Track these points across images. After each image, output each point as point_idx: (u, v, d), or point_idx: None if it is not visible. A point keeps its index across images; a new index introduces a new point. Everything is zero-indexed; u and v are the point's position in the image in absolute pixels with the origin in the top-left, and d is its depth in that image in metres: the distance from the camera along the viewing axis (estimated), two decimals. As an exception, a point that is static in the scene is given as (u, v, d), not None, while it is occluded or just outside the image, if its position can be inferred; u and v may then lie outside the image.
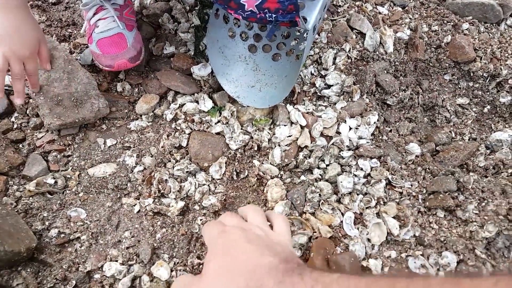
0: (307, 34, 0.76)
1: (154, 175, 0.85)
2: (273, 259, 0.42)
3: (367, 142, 0.89)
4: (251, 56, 0.94)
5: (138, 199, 0.84)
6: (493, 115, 0.97)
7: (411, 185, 0.84)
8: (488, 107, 0.97)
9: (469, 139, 0.92)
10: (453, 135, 0.93)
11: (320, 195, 0.84)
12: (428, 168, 0.86)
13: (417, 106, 0.97)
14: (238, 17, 0.71)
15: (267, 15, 0.67)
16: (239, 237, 0.46)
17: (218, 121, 0.91)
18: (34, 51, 0.76)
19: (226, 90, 0.91)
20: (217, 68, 0.92)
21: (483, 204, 0.80)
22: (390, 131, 0.93)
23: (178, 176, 0.85)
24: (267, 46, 0.93)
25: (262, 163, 0.87)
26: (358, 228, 0.79)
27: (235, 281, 0.40)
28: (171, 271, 0.74)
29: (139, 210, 0.83)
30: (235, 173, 0.86)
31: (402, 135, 0.93)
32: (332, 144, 0.89)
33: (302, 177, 0.87)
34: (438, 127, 0.95)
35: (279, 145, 0.89)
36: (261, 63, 0.94)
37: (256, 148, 0.89)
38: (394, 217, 0.80)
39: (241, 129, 0.90)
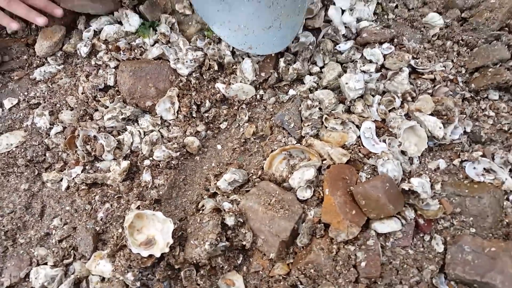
0: None
1: (77, 134, 0.52)
2: None
3: (370, 24, 0.57)
4: None
5: (64, 170, 0.52)
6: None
7: (444, 67, 0.53)
8: None
9: (504, -7, 0.61)
10: (481, -7, 0.61)
11: (320, 109, 0.53)
12: (461, 40, 0.55)
13: (423, -32, 0.64)
14: None
15: None
16: None
17: (155, 42, 0.58)
18: None
19: (230, 42, 0.57)
20: (212, 17, 0.57)
21: (554, 66, 0.50)
22: (396, 6, 0.61)
23: (112, 127, 0.53)
24: None
25: (230, 84, 0.55)
26: (384, 141, 0.49)
27: None
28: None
29: (68, 186, 0.52)
30: (194, 106, 0.54)
31: (412, 8, 0.61)
32: (323, 37, 0.57)
33: (291, 91, 0.55)
34: (458, -12, 0.63)
35: (248, 56, 0.56)
36: None
37: (216, 67, 0.56)
38: (432, 114, 0.49)
39: (189, 45, 0.57)
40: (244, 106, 0.55)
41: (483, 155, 0.48)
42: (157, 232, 0.46)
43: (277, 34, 0.56)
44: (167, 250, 0.44)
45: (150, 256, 0.44)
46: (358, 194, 0.46)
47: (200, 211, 0.48)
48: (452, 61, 0.54)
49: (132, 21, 0.58)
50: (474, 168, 0.47)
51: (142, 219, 0.46)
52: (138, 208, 0.48)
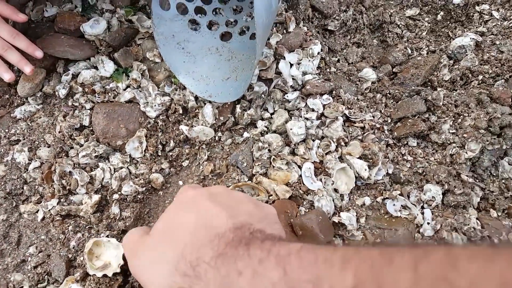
0: None
1: (54, 169, 0.58)
2: (225, 223, 0.30)
3: (314, 77, 0.65)
4: (225, 45, 0.67)
5: (40, 203, 0.58)
6: (448, 22, 0.76)
7: (373, 116, 0.62)
8: (441, 13, 0.76)
9: (427, 53, 0.71)
10: (409, 52, 0.71)
11: (269, 150, 0.60)
12: (389, 93, 0.65)
13: (363, 27, 0.74)
14: None
15: None
16: (201, 194, 0.34)
17: (127, 86, 0.64)
18: None
19: (193, 91, 0.64)
20: (178, 67, 0.64)
21: (459, 120, 0.60)
22: (338, 61, 0.70)
23: (86, 164, 0.59)
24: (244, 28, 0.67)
25: (192, 126, 0.62)
26: (321, 180, 0.57)
27: (173, 248, 0.30)
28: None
29: (43, 217, 0.57)
30: (160, 146, 0.61)
31: (352, 63, 0.70)
32: (274, 87, 0.65)
33: (245, 134, 0.63)
34: (390, 46, 0.73)
35: (209, 102, 0.64)
36: (237, 49, 0.67)
37: (181, 111, 0.63)
38: (360, 158, 0.58)
39: (158, 90, 0.64)
40: (204, 146, 0.62)
41: (401, 194, 0.56)
42: (112, 258, 0.51)
43: (233, 85, 0.64)
44: (118, 270, 0.49)
45: (105, 276, 0.49)
46: (296, 225, 0.53)
47: (161, 241, 0.54)
48: (380, 111, 0.63)
49: (107, 67, 0.64)
50: (394, 205, 0.56)
51: (100, 246, 0.52)
52: (107, 237, 0.54)
